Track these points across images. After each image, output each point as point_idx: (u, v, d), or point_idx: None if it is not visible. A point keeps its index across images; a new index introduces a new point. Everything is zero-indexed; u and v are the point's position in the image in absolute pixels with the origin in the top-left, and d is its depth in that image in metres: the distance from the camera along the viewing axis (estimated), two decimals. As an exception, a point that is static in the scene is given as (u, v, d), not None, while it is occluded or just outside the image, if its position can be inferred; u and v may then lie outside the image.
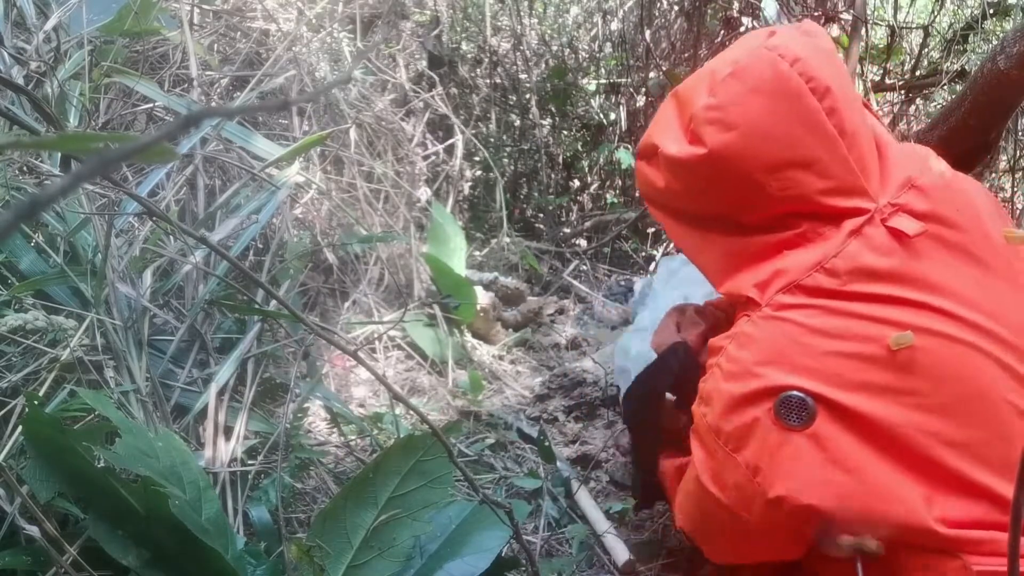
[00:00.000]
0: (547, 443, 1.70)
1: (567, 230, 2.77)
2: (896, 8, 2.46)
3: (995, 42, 1.80)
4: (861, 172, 1.01)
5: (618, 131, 2.84)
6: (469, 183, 2.78)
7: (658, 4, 2.75)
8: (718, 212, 1.07)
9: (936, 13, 2.45)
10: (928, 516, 0.91)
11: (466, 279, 2.07)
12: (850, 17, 2.14)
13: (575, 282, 2.49)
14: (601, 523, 1.50)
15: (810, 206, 1.01)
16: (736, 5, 2.50)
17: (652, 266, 2.44)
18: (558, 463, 1.68)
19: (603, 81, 2.97)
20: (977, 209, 1.03)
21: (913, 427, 0.93)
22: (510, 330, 2.27)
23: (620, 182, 2.89)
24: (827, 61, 1.02)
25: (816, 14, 2.28)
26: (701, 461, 1.03)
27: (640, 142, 1.17)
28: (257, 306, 1.58)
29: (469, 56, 2.95)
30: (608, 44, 3.02)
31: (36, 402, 1.11)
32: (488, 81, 2.87)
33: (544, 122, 2.95)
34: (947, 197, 1.02)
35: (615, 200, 2.81)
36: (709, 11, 2.55)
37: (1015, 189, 2.19)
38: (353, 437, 1.66)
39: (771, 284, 1.01)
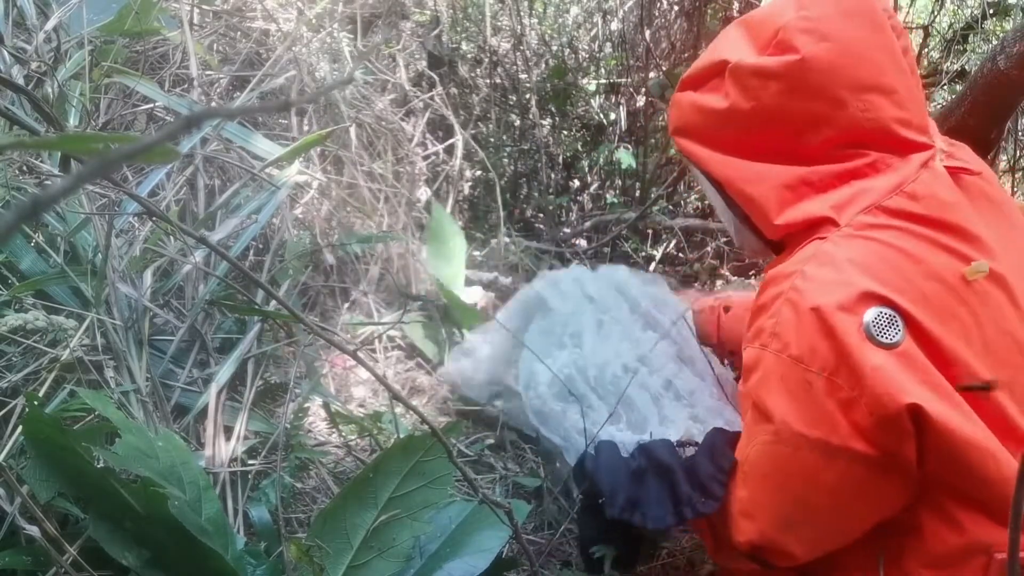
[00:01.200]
0: (547, 443, 1.70)
1: (567, 230, 2.77)
2: (896, 8, 2.46)
3: (995, 42, 1.80)
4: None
5: (618, 131, 2.84)
6: (469, 183, 2.78)
7: (658, 4, 2.75)
8: (780, 138, 1.03)
9: (936, 13, 2.45)
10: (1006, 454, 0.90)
11: (473, 306, 2.06)
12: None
13: (575, 282, 2.49)
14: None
15: (882, 134, 1.00)
16: (736, 5, 2.50)
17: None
18: (558, 463, 1.68)
19: (603, 81, 2.97)
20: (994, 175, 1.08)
21: (974, 361, 0.92)
22: (510, 330, 2.26)
23: (620, 182, 2.89)
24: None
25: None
26: (786, 411, 0.94)
27: (687, 73, 1.13)
28: (257, 306, 1.58)
29: (469, 56, 2.95)
30: (608, 44, 3.02)
31: (36, 402, 1.11)
32: (488, 81, 2.87)
33: (544, 122, 2.95)
34: (977, 160, 1.08)
35: (615, 200, 2.81)
36: (709, 11, 2.55)
37: (1015, 189, 2.19)
38: (353, 437, 1.66)
39: (850, 205, 0.99)
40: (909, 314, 0.91)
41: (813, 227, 1.01)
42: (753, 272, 2.44)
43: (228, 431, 1.42)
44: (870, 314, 0.90)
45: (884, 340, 0.90)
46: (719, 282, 2.42)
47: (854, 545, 1.01)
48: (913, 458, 0.91)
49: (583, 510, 1.30)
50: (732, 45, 1.07)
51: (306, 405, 1.56)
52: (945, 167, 1.01)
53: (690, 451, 1.18)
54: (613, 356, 1.47)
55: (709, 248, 2.50)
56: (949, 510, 0.93)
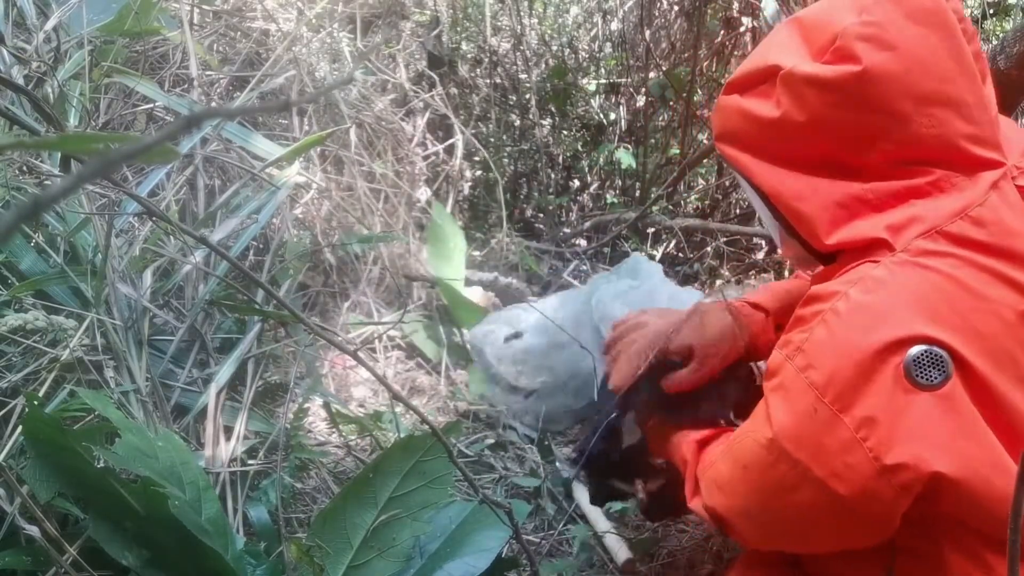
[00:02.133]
0: (547, 443, 1.70)
1: (567, 230, 2.77)
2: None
3: (995, 42, 1.80)
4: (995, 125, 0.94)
5: (618, 131, 2.84)
6: (469, 183, 2.78)
7: (658, 4, 2.75)
8: (834, 151, 0.95)
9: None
10: None
11: (475, 304, 2.07)
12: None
13: (575, 282, 2.49)
14: (601, 523, 1.50)
15: (948, 151, 0.91)
16: (736, 5, 2.50)
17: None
18: (558, 463, 1.68)
19: (603, 81, 2.97)
20: None
21: None
22: (510, 330, 2.27)
23: (620, 182, 2.89)
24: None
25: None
26: (783, 426, 0.91)
27: (734, 75, 1.04)
28: (257, 306, 1.58)
29: (469, 56, 2.95)
30: (608, 44, 3.02)
31: (36, 402, 1.11)
32: (488, 81, 2.87)
33: (544, 122, 2.95)
34: None
35: (615, 200, 2.82)
36: (709, 11, 2.55)
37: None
38: (353, 437, 1.66)
39: (908, 228, 0.90)
40: (959, 354, 0.84)
41: (867, 248, 0.94)
42: (753, 272, 2.44)
43: (228, 431, 1.42)
44: (914, 352, 0.84)
45: (925, 381, 0.84)
46: (719, 282, 2.42)
47: (863, 565, 0.99)
48: (897, 517, 0.88)
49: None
50: (784, 48, 0.98)
51: (306, 405, 1.56)
52: (1018, 186, 0.92)
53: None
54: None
55: (709, 248, 2.50)
56: (978, 553, 0.89)
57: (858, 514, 0.88)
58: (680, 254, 2.58)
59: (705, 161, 2.66)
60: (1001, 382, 0.85)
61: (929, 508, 0.87)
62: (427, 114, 2.49)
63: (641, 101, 2.75)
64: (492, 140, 2.87)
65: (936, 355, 0.84)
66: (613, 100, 2.95)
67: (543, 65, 2.97)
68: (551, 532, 1.52)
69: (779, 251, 1.19)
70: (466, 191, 2.77)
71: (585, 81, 2.99)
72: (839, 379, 0.86)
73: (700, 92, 2.62)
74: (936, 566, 0.91)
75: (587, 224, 2.74)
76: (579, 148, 2.97)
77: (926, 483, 0.83)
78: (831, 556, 1.04)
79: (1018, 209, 0.91)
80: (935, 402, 0.83)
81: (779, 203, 1.00)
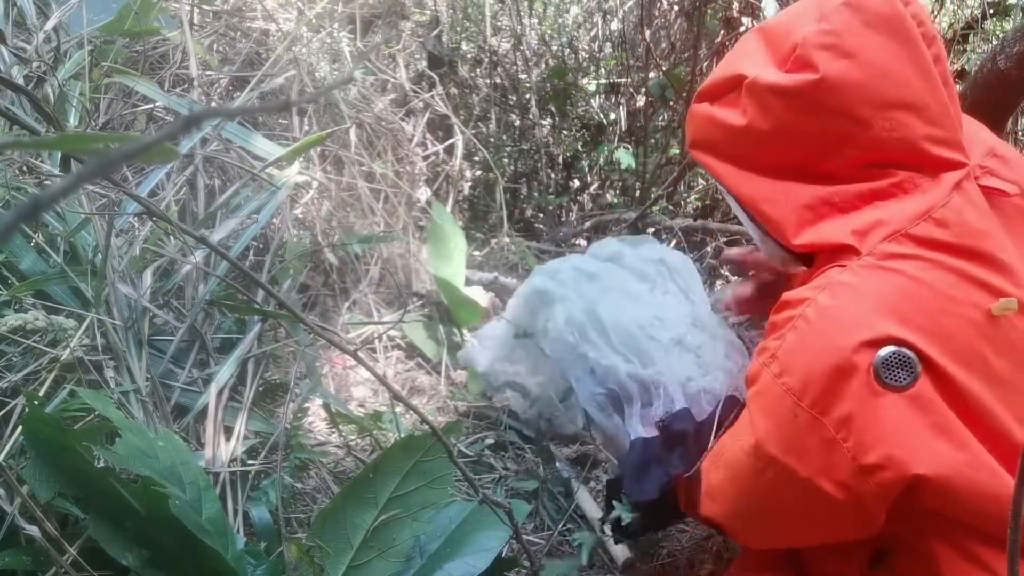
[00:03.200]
0: (546, 443, 1.70)
1: (567, 230, 2.77)
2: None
3: (995, 42, 1.80)
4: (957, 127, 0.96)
5: (618, 131, 2.84)
6: (469, 183, 2.78)
7: (658, 4, 2.75)
8: (800, 156, 0.98)
9: (936, 13, 2.45)
10: None
11: (473, 300, 2.07)
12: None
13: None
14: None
15: (911, 153, 0.94)
16: (736, 5, 2.50)
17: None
18: (558, 463, 1.68)
19: (603, 81, 2.97)
20: None
21: (996, 404, 0.87)
22: (510, 330, 2.27)
23: (620, 182, 2.89)
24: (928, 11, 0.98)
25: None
26: (767, 431, 0.93)
27: (704, 84, 1.07)
28: (257, 306, 1.58)
29: (469, 56, 2.95)
30: (608, 44, 3.02)
31: (36, 402, 1.11)
32: (488, 81, 2.87)
33: (544, 122, 2.95)
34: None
35: (615, 200, 2.81)
36: (709, 11, 2.55)
37: (1015, 189, 2.18)
38: (353, 437, 1.66)
39: (873, 231, 0.92)
40: (927, 355, 0.86)
41: (836, 252, 0.96)
42: (753, 272, 2.44)
43: (228, 431, 1.42)
44: (882, 354, 0.86)
45: (894, 382, 0.86)
46: (719, 282, 2.42)
47: (852, 559, 1.01)
48: (882, 512, 0.89)
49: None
50: (749, 57, 1.01)
51: (306, 405, 1.56)
52: (981, 186, 0.94)
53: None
54: (628, 319, 1.46)
55: (709, 248, 2.50)
56: (967, 545, 0.90)
57: (845, 510, 0.90)
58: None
59: (705, 161, 2.66)
60: (970, 381, 0.87)
61: (914, 504, 0.88)
62: (427, 114, 2.49)
63: (641, 101, 2.75)
64: (492, 140, 2.87)
65: (904, 356, 0.86)
66: (613, 100, 2.95)
67: (543, 65, 2.97)
68: (551, 532, 1.52)
69: (761, 252, 1.22)
70: (466, 191, 2.77)
71: (585, 81, 2.99)
72: (814, 384, 0.88)
73: (700, 92, 2.61)
74: (927, 560, 0.92)
75: (587, 224, 2.74)
76: (579, 148, 2.97)
77: (907, 483, 0.85)
78: (826, 552, 1.05)
79: (982, 209, 0.93)
80: (905, 403, 0.85)
81: (751, 207, 1.03)
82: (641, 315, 1.45)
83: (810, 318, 0.91)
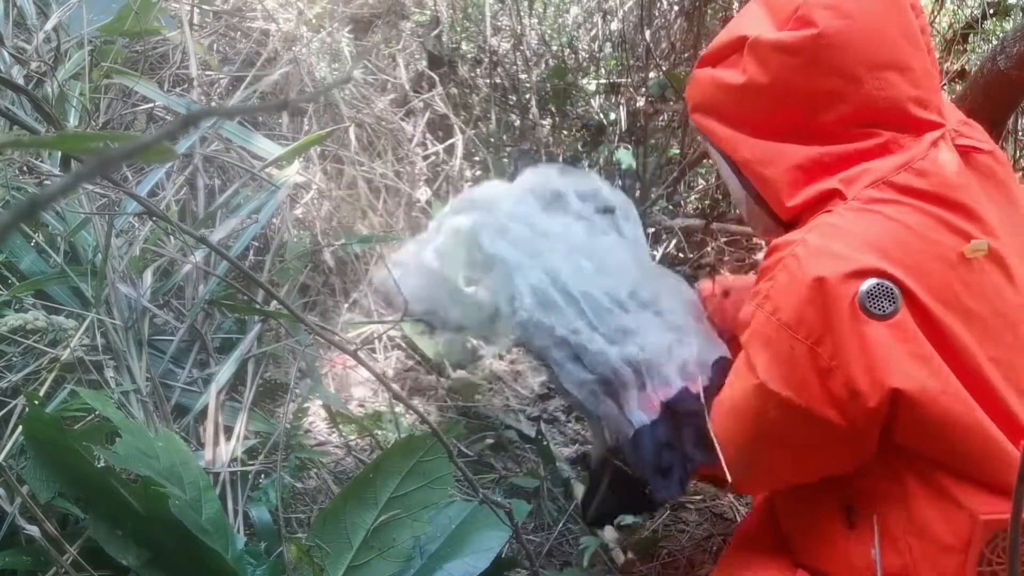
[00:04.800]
0: (546, 443, 1.70)
1: (567, 230, 2.77)
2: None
3: (995, 42, 1.80)
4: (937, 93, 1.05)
5: (618, 131, 2.84)
6: (469, 183, 2.78)
7: (658, 4, 2.75)
8: (795, 113, 1.05)
9: (936, 13, 2.45)
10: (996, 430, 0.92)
11: None
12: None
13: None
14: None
15: (896, 113, 1.01)
16: (736, 5, 2.50)
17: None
18: (558, 463, 1.68)
19: (603, 81, 2.97)
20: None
21: (968, 338, 0.94)
22: (510, 330, 2.26)
23: (620, 182, 2.88)
24: None
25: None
26: (766, 367, 0.99)
27: (709, 48, 1.14)
28: (257, 306, 1.58)
29: (469, 56, 2.95)
30: (608, 44, 3.02)
31: (36, 402, 1.11)
32: (488, 81, 2.87)
33: (544, 122, 2.95)
34: (989, 140, 1.09)
35: (615, 200, 2.81)
36: (709, 11, 2.55)
37: (1015, 189, 2.18)
38: (353, 437, 1.66)
39: (858, 180, 1.01)
40: (907, 287, 0.93)
41: (823, 200, 1.03)
42: (753, 272, 2.44)
43: (228, 431, 1.42)
44: (866, 285, 0.93)
45: (877, 311, 0.92)
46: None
47: (826, 506, 1.06)
48: (875, 435, 0.96)
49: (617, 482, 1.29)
50: (752, 21, 1.08)
51: (306, 405, 1.56)
52: (956, 145, 1.03)
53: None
54: (593, 286, 1.37)
55: (709, 248, 2.50)
56: (941, 483, 0.97)
57: (843, 438, 0.97)
58: (680, 254, 2.58)
59: (705, 161, 2.66)
60: (944, 315, 0.94)
61: (895, 430, 0.96)
62: (427, 114, 2.49)
63: (641, 101, 2.75)
64: (492, 140, 2.87)
65: (886, 287, 0.93)
66: (613, 100, 2.95)
67: (543, 65, 2.97)
68: (551, 532, 1.52)
69: (746, 219, 1.28)
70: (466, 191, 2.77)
71: (585, 81, 2.99)
72: (807, 316, 0.95)
73: (700, 92, 2.61)
74: (901, 498, 0.99)
75: (587, 224, 2.73)
76: (579, 148, 2.97)
77: (889, 403, 0.92)
78: (807, 522, 1.10)
79: (956, 164, 1.01)
80: (887, 330, 0.92)
81: (747, 170, 1.10)
82: (604, 280, 1.37)
83: (800, 256, 0.98)
